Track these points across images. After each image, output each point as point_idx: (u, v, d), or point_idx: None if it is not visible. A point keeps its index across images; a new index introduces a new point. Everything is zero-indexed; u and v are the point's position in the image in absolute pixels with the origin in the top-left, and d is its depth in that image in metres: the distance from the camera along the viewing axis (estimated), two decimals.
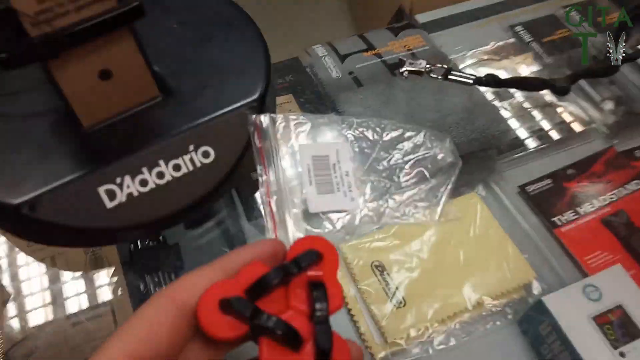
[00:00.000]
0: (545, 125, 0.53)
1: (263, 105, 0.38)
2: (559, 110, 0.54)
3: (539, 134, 0.51)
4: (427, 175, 0.39)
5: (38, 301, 0.44)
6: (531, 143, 0.51)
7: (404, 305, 0.39)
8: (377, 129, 0.39)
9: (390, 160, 0.39)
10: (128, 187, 0.34)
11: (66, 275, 0.46)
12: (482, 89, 0.52)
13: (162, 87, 0.37)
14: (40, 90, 0.36)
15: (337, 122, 0.39)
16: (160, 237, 0.48)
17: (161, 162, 0.35)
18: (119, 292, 0.46)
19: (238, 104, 0.37)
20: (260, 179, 0.36)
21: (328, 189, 0.37)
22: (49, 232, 0.33)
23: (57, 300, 0.45)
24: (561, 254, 0.44)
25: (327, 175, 0.37)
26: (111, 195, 0.33)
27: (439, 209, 0.39)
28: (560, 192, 0.47)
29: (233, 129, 0.37)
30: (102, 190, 0.33)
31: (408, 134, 0.40)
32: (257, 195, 0.47)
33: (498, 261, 0.42)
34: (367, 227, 0.38)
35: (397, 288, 0.40)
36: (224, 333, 0.22)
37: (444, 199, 0.39)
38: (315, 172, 0.37)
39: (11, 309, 0.44)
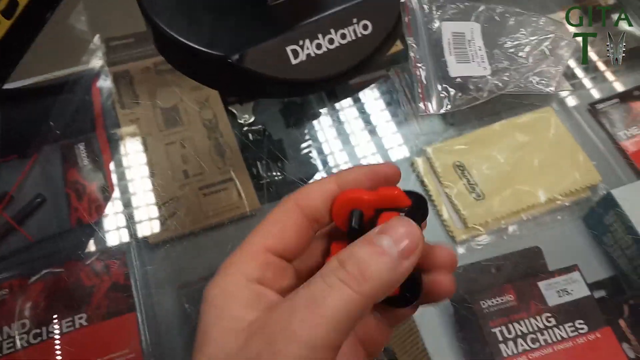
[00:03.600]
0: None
1: None
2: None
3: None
4: (547, 53, 0.45)
5: (176, 176, 0.55)
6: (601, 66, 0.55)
7: (482, 199, 0.46)
8: (506, 14, 0.46)
9: (514, 40, 0.46)
10: (307, 48, 0.42)
11: (193, 157, 0.56)
12: None
13: None
14: None
15: (470, 8, 0.46)
16: (267, 132, 0.57)
17: (332, 31, 0.43)
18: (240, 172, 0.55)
19: None
20: (410, 50, 0.43)
21: (464, 58, 0.44)
22: (252, 81, 0.42)
23: (190, 175, 0.55)
24: (625, 164, 0.50)
25: (463, 48, 0.45)
26: (295, 54, 0.42)
27: (554, 83, 0.45)
28: (627, 110, 0.53)
29: (387, 8, 0.45)
30: (289, 49, 0.42)
31: (530, 19, 0.47)
32: None
33: (569, 165, 0.47)
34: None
35: (476, 184, 0.46)
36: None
37: (560, 74, 0.45)
38: (454, 45, 0.44)
39: (153, 181, 0.54)
